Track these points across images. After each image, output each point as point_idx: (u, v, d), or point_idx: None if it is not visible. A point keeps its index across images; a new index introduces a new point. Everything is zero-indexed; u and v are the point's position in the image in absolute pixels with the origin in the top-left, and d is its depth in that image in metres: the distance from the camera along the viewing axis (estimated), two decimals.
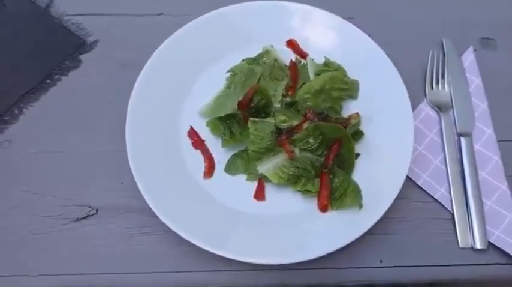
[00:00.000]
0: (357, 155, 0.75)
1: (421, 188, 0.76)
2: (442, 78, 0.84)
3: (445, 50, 0.87)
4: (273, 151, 0.73)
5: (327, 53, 0.83)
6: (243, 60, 0.82)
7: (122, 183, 0.75)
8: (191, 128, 0.78)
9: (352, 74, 0.81)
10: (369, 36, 0.82)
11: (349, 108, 0.80)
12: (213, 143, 0.77)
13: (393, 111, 0.77)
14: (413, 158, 0.73)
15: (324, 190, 0.70)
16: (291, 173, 0.71)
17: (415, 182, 0.76)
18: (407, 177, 0.73)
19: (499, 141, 0.79)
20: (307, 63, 0.83)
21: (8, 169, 0.77)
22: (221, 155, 0.76)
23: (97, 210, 0.73)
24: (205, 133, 0.78)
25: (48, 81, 0.84)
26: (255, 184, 0.74)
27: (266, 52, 0.83)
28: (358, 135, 0.76)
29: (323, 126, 0.71)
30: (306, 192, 0.72)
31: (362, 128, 0.76)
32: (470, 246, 0.71)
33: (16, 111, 0.81)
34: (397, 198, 0.69)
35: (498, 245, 0.71)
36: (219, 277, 0.70)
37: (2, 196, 0.74)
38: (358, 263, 0.71)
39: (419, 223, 0.74)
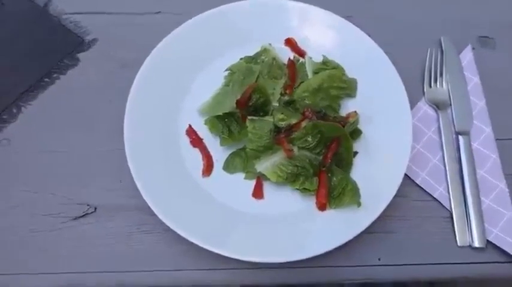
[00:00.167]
0: (355, 153, 0.75)
1: (420, 186, 0.76)
2: (440, 77, 0.84)
3: (443, 48, 0.87)
4: (272, 149, 0.73)
5: (325, 52, 0.83)
6: (241, 58, 0.82)
7: (120, 181, 0.75)
8: (189, 126, 0.78)
9: (350, 73, 0.81)
10: (368, 35, 0.82)
11: (348, 107, 0.79)
12: (212, 142, 0.77)
13: (392, 109, 0.77)
14: (411, 157, 0.73)
15: (323, 189, 0.70)
16: (289, 171, 0.71)
17: (413, 181, 0.76)
18: (406, 175, 0.73)
19: (497, 139, 0.79)
20: (305, 62, 0.83)
21: (6, 168, 0.77)
22: (219, 153, 0.76)
23: (95, 208, 0.73)
24: (203, 131, 0.78)
25: (47, 79, 0.84)
26: (253, 182, 0.74)
27: (264, 50, 0.82)
28: (356, 133, 0.76)
29: (321, 124, 0.72)
30: (304, 190, 0.72)
31: (360, 126, 0.76)
32: (468, 244, 0.71)
33: (14, 110, 0.81)
34: (395, 196, 0.69)
35: (496, 244, 0.71)
36: (218, 276, 0.70)
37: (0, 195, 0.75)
38: (356, 261, 0.71)
39: (417, 222, 0.74)
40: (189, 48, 0.82)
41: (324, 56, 0.82)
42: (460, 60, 0.86)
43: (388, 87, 0.78)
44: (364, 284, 0.71)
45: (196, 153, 0.76)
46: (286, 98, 0.79)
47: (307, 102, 0.78)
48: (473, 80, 0.84)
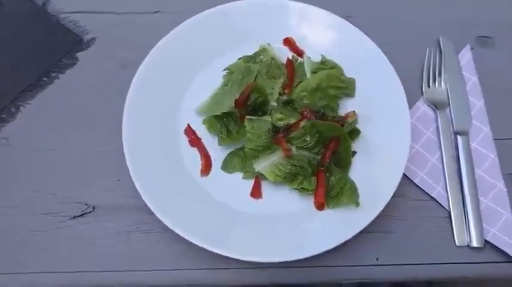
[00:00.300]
0: (354, 153, 0.75)
1: (418, 186, 0.76)
2: (439, 76, 0.84)
3: (442, 47, 0.87)
4: (270, 149, 0.73)
5: (324, 52, 0.83)
6: (239, 58, 0.82)
7: (118, 181, 0.75)
8: (188, 126, 0.78)
9: (349, 73, 0.81)
10: (366, 34, 0.82)
11: (346, 107, 0.79)
12: (210, 141, 0.77)
13: (390, 109, 0.77)
14: (410, 156, 0.73)
15: (321, 188, 0.70)
16: (287, 171, 0.71)
17: (412, 180, 0.76)
18: (404, 175, 0.73)
19: (495, 139, 0.79)
20: (303, 62, 0.83)
21: (5, 167, 0.77)
22: (218, 153, 0.76)
23: (94, 208, 0.74)
24: (202, 131, 0.78)
25: (46, 79, 0.84)
26: (252, 182, 0.74)
27: (263, 50, 0.82)
28: (355, 133, 0.76)
29: (320, 124, 0.72)
30: (302, 190, 0.72)
31: (359, 126, 0.76)
32: (466, 244, 0.71)
33: (13, 110, 0.81)
34: (394, 196, 0.69)
35: (494, 243, 0.71)
36: (216, 275, 0.70)
37: None
38: (354, 261, 0.71)
39: (416, 221, 0.74)
40: (187, 48, 0.82)
41: (322, 56, 0.82)
42: (458, 60, 0.86)
43: (386, 87, 0.78)
44: (363, 284, 0.71)
45: (195, 153, 0.77)
46: (284, 97, 0.79)
47: (306, 102, 0.78)
48: (471, 80, 0.84)
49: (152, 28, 0.84)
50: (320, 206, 0.71)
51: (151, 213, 0.68)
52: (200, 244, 0.66)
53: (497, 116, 0.81)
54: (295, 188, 0.72)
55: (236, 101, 0.74)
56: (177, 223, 0.67)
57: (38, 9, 0.91)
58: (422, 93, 0.84)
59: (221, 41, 0.84)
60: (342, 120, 0.74)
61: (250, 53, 0.83)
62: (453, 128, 0.80)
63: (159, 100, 0.78)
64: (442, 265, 0.71)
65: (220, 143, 0.76)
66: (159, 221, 0.68)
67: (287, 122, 0.73)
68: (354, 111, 0.76)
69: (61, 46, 0.87)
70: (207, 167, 0.75)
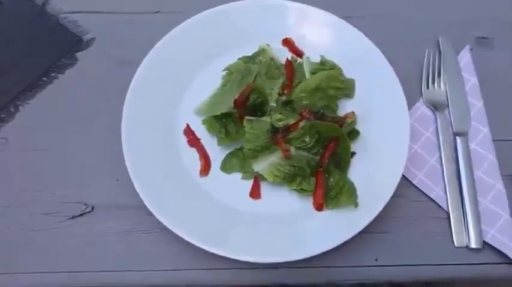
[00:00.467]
0: (353, 154, 0.75)
1: (417, 187, 0.76)
2: (438, 77, 0.84)
3: (441, 48, 0.87)
4: (269, 149, 0.72)
5: (323, 52, 0.83)
6: (239, 58, 0.82)
7: (117, 181, 0.75)
8: (187, 126, 0.78)
9: (348, 73, 0.81)
10: (366, 35, 0.82)
11: (345, 107, 0.79)
12: (209, 141, 0.77)
13: (389, 110, 0.77)
14: (408, 157, 0.73)
15: (320, 189, 0.70)
16: (286, 171, 0.71)
17: (411, 181, 0.76)
18: (403, 176, 0.73)
19: (494, 140, 0.79)
20: (303, 62, 0.83)
21: (4, 167, 0.76)
22: (217, 153, 0.76)
23: (93, 208, 0.74)
24: (201, 131, 0.78)
25: (45, 78, 0.84)
26: (251, 182, 0.74)
27: (262, 51, 0.82)
28: (354, 134, 0.76)
29: (319, 125, 0.72)
30: (301, 191, 0.72)
31: (358, 126, 0.76)
32: (465, 245, 0.71)
33: (12, 109, 0.81)
34: (393, 197, 0.69)
35: (493, 245, 0.71)
36: (215, 275, 0.70)
37: None
38: (353, 262, 0.71)
39: (415, 222, 0.74)
40: (187, 48, 0.82)
41: (321, 56, 0.82)
42: (458, 61, 0.86)
43: (386, 87, 0.78)
44: (361, 285, 0.71)
45: (194, 153, 0.77)
46: (284, 98, 0.79)
47: (305, 102, 0.78)
48: (471, 80, 0.84)
49: (152, 28, 0.84)
50: (319, 207, 0.71)
51: (150, 213, 0.68)
52: (199, 244, 0.66)
53: (496, 117, 0.81)
54: (294, 189, 0.72)
55: (235, 102, 0.74)
56: (176, 223, 0.67)
57: (37, 9, 0.91)
58: (421, 94, 0.84)
59: (221, 42, 0.84)
60: (341, 121, 0.74)
61: (249, 53, 0.83)
62: (452, 129, 0.80)
63: (159, 100, 0.78)
64: (441, 266, 0.71)
65: (219, 144, 0.76)
66: (158, 222, 0.68)
67: (286, 123, 0.73)
68: (353, 112, 0.76)
69: (60, 46, 0.87)
70: (206, 168, 0.75)
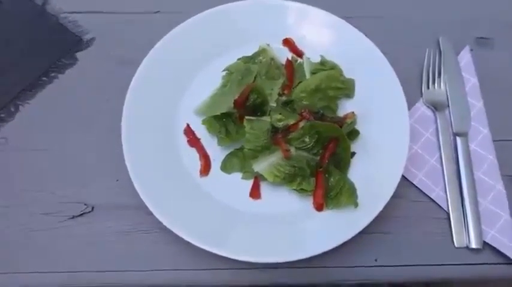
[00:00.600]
0: (353, 154, 0.75)
1: (417, 187, 0.76)
2: (438, 77, 0.84)
3: (442, 48, 0.87)
4: (269, 149, 0.72)
5: (323, 52, 0.83)
6: (239, 58, 0.82)
7: (117, 180, 0.75)
8: (187, 126, 0.78)
9: (348, 73, 0.81)
10: (366, 35, 0.82)
11: (345, 107, 0.79)
12: (209, 141, 0.77)
13: (389, 110, 0.77)
14: (409, 158, 0.73)
15: (320, 189, 0.71)
16: (286, 172, 0.71)
17: (411, 182, 0.76)
18: (403, 176, 0.73)
19: (494, 140, 0.79)
20: (303, 62, 0.83)
21: (3, 167, 0.76)
22: (217, 153, 0.76)
23: (93, 208, 0.74)
24: (201, 131, 0.78)
25: (45, 78, 0.84)
26: (251, 182, 0.74)
27: (262, 51, 0.82)
28: (354, 134, 0.76)
29: (319, 125, 0.72)
30: (301, 191, 0.72)
31: (358, 127, 0.76)
32: (465, 246, 0.71)
33: (12, 109, 0.81)
34: (393, 197, 0.69)
35: (493, 245, 0.71)
36: (215, 276, 0.70)
37: None
38: (353, 262, 0.71)
39: (415, 222, 0.74)
40: (187, 48, 0.82)
41: (321, 57, 0.82)
42: (458, 61, 0.86)
43: (386, 88, 0.78)
44: (361, 285, 0.71)
45: (194, 152, 0.77)
46: (284, 98, 0.79)
47: (305, 102, 0.78)
48: (471, 81, 0.84)
49: (152, 28, 0.84)
50: (319, 207, 0.71)
51: (150, 213, 0.68)
52: (199, 244, 0.66)
53: (496, 117, 0.81)
54: (294, 189, 0.72)
55: (235, 102, 0.74)
56: (176, 223, 0.67)
57: (37, 9, 0.91)
58: (421, 94, 0.84)
59: (221, 42, 0.84)
60: (341, 121, 0.74)
61: (249, 53, 0.83)
62: (452, 129, 0.80)
63: (159, 100, 0.78)
64: (441, 266, 0.71)
65: (219, 144, 0.76)
66: (158, 221, 0.68)
67: (286, 123, 0.73)
68: (353, 112, 0.76)
69: (60, 46, 0.87)
70: (206, 168, 0.75)
